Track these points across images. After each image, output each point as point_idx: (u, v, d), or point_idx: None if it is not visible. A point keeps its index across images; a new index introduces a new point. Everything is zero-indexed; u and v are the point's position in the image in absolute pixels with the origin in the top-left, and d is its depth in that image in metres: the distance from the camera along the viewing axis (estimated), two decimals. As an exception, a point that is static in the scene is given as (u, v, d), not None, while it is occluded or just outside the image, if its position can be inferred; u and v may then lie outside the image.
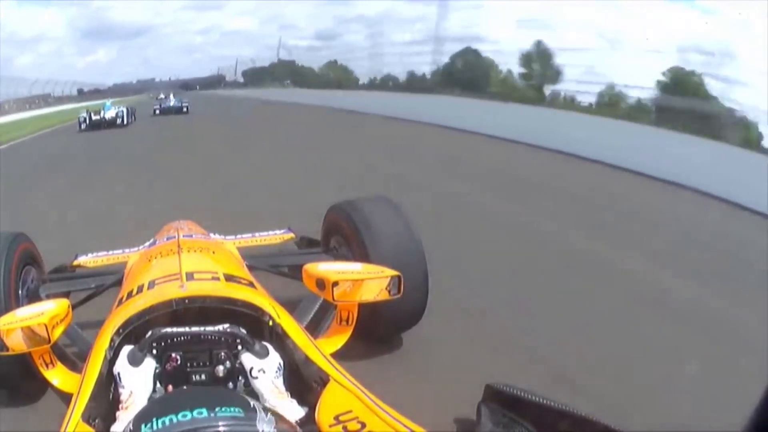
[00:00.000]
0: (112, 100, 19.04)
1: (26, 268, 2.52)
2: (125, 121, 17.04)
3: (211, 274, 1.79)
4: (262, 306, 1.49)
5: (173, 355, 1.29)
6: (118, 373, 1.26)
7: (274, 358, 1.32)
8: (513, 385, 1.36)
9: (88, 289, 2.60)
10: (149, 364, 1.27)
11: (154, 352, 1.29)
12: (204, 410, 0.80)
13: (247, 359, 1.30)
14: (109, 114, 16.82)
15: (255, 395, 1.26)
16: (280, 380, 1.31)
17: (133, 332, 1.41)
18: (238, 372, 1.32)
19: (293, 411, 1.23)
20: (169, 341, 1.30)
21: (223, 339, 1.32)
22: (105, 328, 1.49)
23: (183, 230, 2.62)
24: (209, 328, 1.32)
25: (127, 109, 17.61)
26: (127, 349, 1.30)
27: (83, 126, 16.28)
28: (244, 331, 1.35)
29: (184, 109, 20.46)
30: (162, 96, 23.88)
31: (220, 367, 1.31)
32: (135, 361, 1.26)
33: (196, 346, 1.31)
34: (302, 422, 1.20)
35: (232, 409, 0.82)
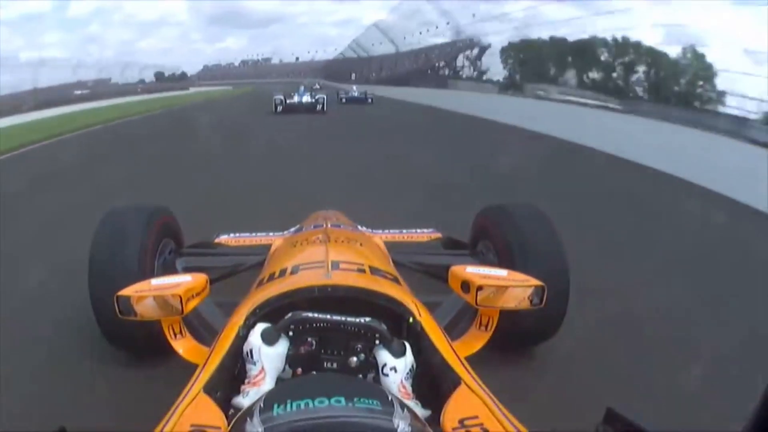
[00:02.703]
0: (304, 86, 20.20)
1: (165, 240, 2.69)
2: (324, 108, 17.53)
3: (356, 266, 1.83)
4: (404, 303, 1.48)
5: (309, 339, 1.30)
6: (250, 350, 1.28)
7: (409, 359, 1.29)
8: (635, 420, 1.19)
9: (225, 267, 2.75)
10: (283, 345, 1.28)
11: (290, 334, 1.30)
12: (342, 399, 0.78)
13: (382, 355, 1.28)
14: (305, 99, 17.67)
15: None
16: (409, 381, 1.28)
17: (270, 314, 1.43)
18: (370, 366, 1.30)
19: (417, 411, 1.20)
20: (307, 326, 1.30)
21: (362, 331, 1.30)
22: (243, 305, 1.54)
23: (331, 220, 2.72)
24: (350, 319, 1.30)
25: (326, 97, 18.25)
26: (261, 326, 1.32)
27: (279, 108, 17.17)
28: (384, 326, 1.32)
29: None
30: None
31: (354, 359, 1.29)
32: (270, 339, 1.27)
33: (334, 335, 1.31)
34: (426, 421, 1.19)
35: (370, 401, 0.79)
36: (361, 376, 1.30)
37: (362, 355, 1.30)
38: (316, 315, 1.30)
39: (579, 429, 1.19)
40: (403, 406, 0.84)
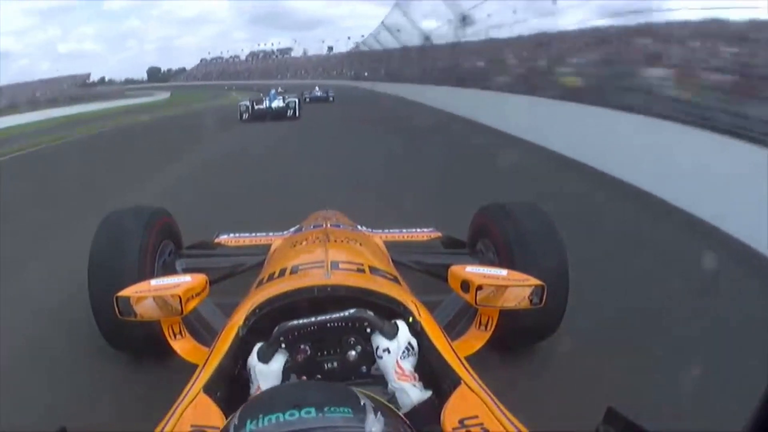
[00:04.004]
0: (277, 89, 18.23)
1: (164, 242, 2.69)
2: (297, 113, 15.68)
3: (356, 266, 1.83)
4: (404, 302, 1.48)
5: (302, 346, 1.29)
6: (249, 370, 1.28)
7: (402, 338, 1.29)
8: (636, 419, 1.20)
9: (224, 268, 2.76)
10: (279, 360, 1.27)
11: (283, 346, 1.28)
12: (312, 410, 0.78)
13: (376, 339, 1.29)
14: (275, 104, 15.77)
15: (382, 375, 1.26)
16: (408, 361, 1.27)
17: (270, 314, 1.44)
18: (370, 355, 1.30)
19: (414, 393, 1.21)
20: (296, 333, 1.29)
21: (350, 324, 1.30)
22: (242, 305, 1.54)
23: (330, 220, 2.73)
24: (335, 316, 1.30)
25: (298, 100, 16.41)
26: (257, 346, 1.31)
27: (245, 116, 15.45)
28: (371, 313, 1.32)
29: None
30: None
31: (352, 353, 1.30)
32: (265, 357, 1.26)
33: (325, 335, 1.30)
34: (426, 405, 1.18)
35: (341, 409, 0.80)
36: (364, 367, 1.31)
37: (359, 347, 1.31)
38: (300, 321, 1.29)
39: (579, 429, 1.18)
40: (377, 409, 0.83)
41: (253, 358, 1.27)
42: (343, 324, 1.30)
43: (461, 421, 1.08)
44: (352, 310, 1.31)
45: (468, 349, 1.71)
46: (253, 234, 3.46)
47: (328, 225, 2.56)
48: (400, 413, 1.06)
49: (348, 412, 0.80)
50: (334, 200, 3.80)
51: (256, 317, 1.44)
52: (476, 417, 1.10)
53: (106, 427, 1.97)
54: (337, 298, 1.46)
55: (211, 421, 1.09)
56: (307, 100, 23.28)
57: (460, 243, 3.11)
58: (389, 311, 1.45)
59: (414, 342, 1.31)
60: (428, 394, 1.22)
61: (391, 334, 1.28)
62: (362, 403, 0.83)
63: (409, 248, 3.10)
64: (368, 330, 1.30)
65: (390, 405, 0.94)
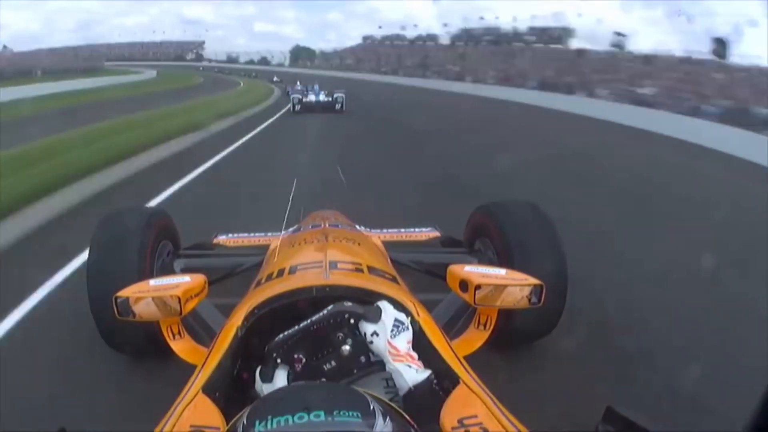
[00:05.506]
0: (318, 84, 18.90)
1: (163, 242, 2.69)
2: (343, 107, 17.10)
3: (354, 266, 1.83)
4: (403, 302, 1.47)
5: (296, 356, 1.29)
6: (260, 393, 1.26)
7: (388, 317, 1.28)
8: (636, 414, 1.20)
9: (223, 268, 2.76)
10: (281, 376, 1.27)
11: (279, 361, 1.28)
12: (321, 413, 0.78)
13: (362, 327, 1.29)
14: (321, 98, 17.28)
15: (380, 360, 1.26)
16: (401, 338, 1.27)
17: (269, 314, 1.44)
18: (363, 343, 1.29)
19: (409, 374, 1.21)
20: (285, 346, 1.29)
21: (332, 321, 1.30)
22: (241, 306, 1.54)
23: (329, 219, 2.73)
24: (315, 318, 1.30)
25: (345, 95, 17.53)
26: (258, 370, 1.29)
27: (297, 107, 16.85)
28: (348, 303, 1.32)
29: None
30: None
31: (345, 347, 1.29)
32: (267, 377, 1.26)
33: (314, 339, 1.30)
34: (423, 386, 1.19)
35: (350, 413, 0.80)
36: (363, 357, 1.30)
37: (349, 340, 1.30)
38: (285, 334, 1.29)
39: (579, 428, 1.18)
40: (385, 414, 0.83)
41: (258, 383, 1.27)
42: (326, 323, 1.30)
43: (460, 421, 1.08)
44: (329, 308, 1.31)
45: (467, 348, 1.71)
46: (252, 234, 3.46)
47: (327, 225, 2.56)
48: (401, 398, 1.05)
49: (357, 416, 0.80)
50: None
51: (254, 317, 1.43)
52: (475, 416, 1.09)
53: (106, 427, 1.97)
54: (336, 299, 1.44)
55: (210, 422, 1.09)
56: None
57: (458, 243, 3.12)
58: None
59: (402, 317, 1.30)
60: (426, 374, 1.22)
61: (375, 317, 1.28)
62: (371, 408, 0.83)
63: (407, 248, 3.10)
64: (352, 321, 1.30)
65: (397, 407, 0.93)
